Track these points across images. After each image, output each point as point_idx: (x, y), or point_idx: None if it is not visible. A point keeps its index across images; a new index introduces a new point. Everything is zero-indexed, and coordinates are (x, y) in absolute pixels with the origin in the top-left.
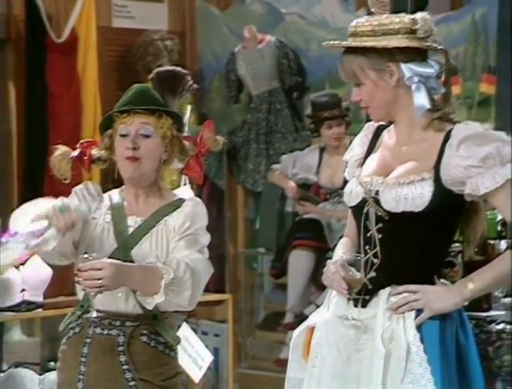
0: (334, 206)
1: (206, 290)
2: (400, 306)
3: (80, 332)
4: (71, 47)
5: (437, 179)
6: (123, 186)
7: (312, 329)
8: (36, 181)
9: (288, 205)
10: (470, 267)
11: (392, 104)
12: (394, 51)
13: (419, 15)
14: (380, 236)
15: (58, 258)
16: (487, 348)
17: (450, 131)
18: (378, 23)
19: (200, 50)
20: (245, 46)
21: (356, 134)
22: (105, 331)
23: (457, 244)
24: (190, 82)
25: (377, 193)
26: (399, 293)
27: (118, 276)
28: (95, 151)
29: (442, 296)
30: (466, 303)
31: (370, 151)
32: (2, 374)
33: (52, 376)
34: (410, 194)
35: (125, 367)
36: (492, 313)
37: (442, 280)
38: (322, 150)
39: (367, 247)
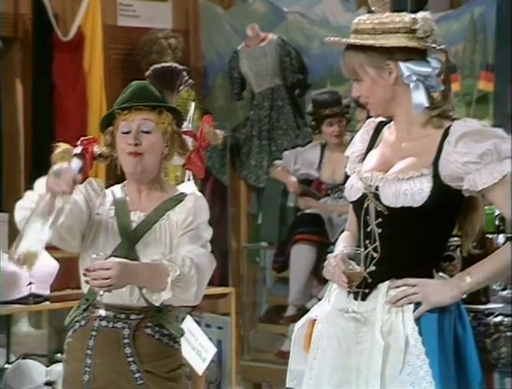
0: (336, 201)
1: (210, 284)
2: (399, 300)
3: (86, 325)
4: (77, 45)
5: (436, 175)
6: (125, 182)
7: (313, 322)
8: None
9: (289, 200)
10: (468, 261)
11: (390, 101)
12: (394, 50)
13: (420, 15)
14: (379, 230)
15: (64, 237)
16: (485, 340)
17: (448, 128)
18: (379, 21)
19: (204, 48)
20: (248, 44)
21: (356, 131)
22: (111, 324)
23: (455, 238)
24: (186, 77)
25: (376, 188)
26: (398, 287)
27: (126, 275)
28: (96, 148)
29: (440, 289)
30: (464, 296)
31: (371, 147)
32: (9, 366)
33: (59, 368)
34: (409, 190)
35: (130, 359)
36: (490, 305)
37: (441, 274)
38: (323, 146)
39: (367, 241)
